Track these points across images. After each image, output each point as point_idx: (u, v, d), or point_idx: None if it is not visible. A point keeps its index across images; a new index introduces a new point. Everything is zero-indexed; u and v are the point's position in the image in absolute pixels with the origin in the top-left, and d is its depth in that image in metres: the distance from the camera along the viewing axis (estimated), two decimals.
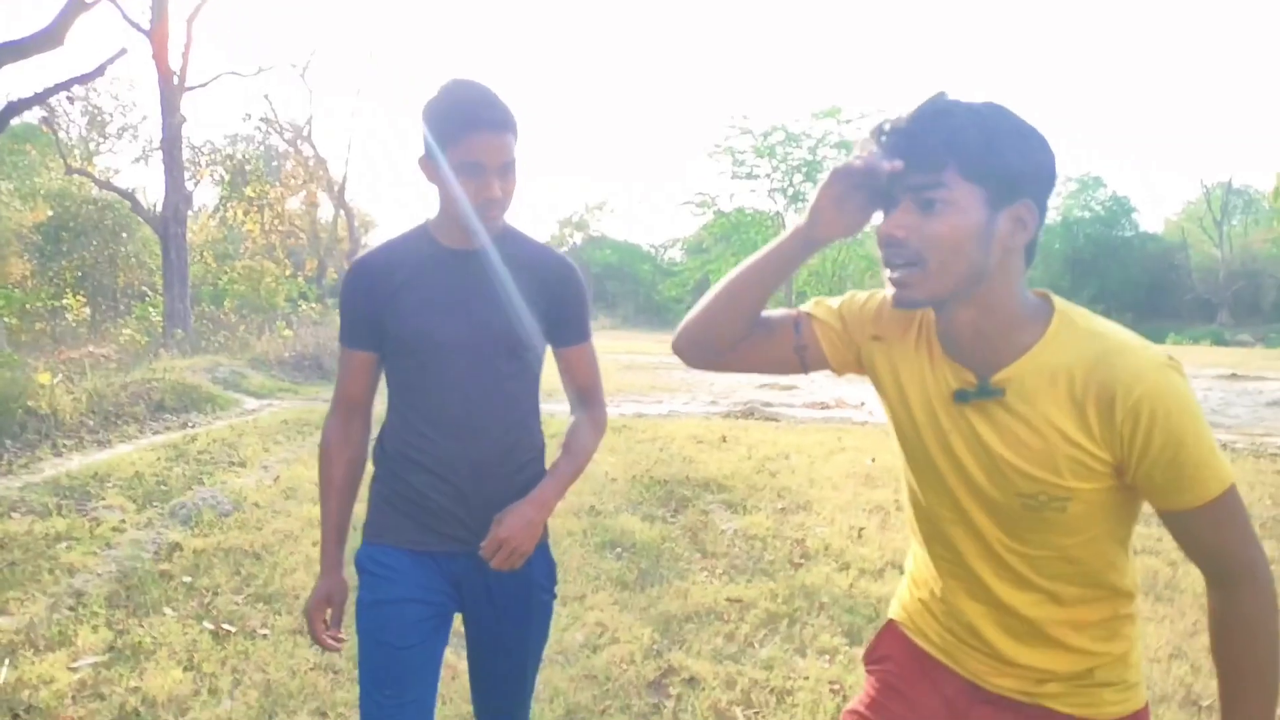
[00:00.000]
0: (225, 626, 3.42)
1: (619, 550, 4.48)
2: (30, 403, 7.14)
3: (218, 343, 13.94)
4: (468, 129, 1.50)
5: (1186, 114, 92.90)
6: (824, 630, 3.45)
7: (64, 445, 6.98)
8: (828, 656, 3.22)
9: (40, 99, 10.16)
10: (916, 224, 1.08)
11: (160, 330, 15.12)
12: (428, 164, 1.59)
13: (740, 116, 25.73)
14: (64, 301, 17.68)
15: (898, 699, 1.31)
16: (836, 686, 2.95)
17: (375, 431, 1.77)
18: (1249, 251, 40.70)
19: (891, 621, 1.38)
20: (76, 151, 20.26)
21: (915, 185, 1.08)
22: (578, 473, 1.69)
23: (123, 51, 10.58)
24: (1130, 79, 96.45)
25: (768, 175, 26.33)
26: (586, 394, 1.78)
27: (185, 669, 3.05)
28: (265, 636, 3.34)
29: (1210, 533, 1.10)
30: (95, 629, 3.37)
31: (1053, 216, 46.23)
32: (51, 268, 18.29)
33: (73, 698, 2.85)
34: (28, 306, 17.05)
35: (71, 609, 3.60)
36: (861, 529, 4.86)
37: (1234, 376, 14.98)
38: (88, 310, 18.92)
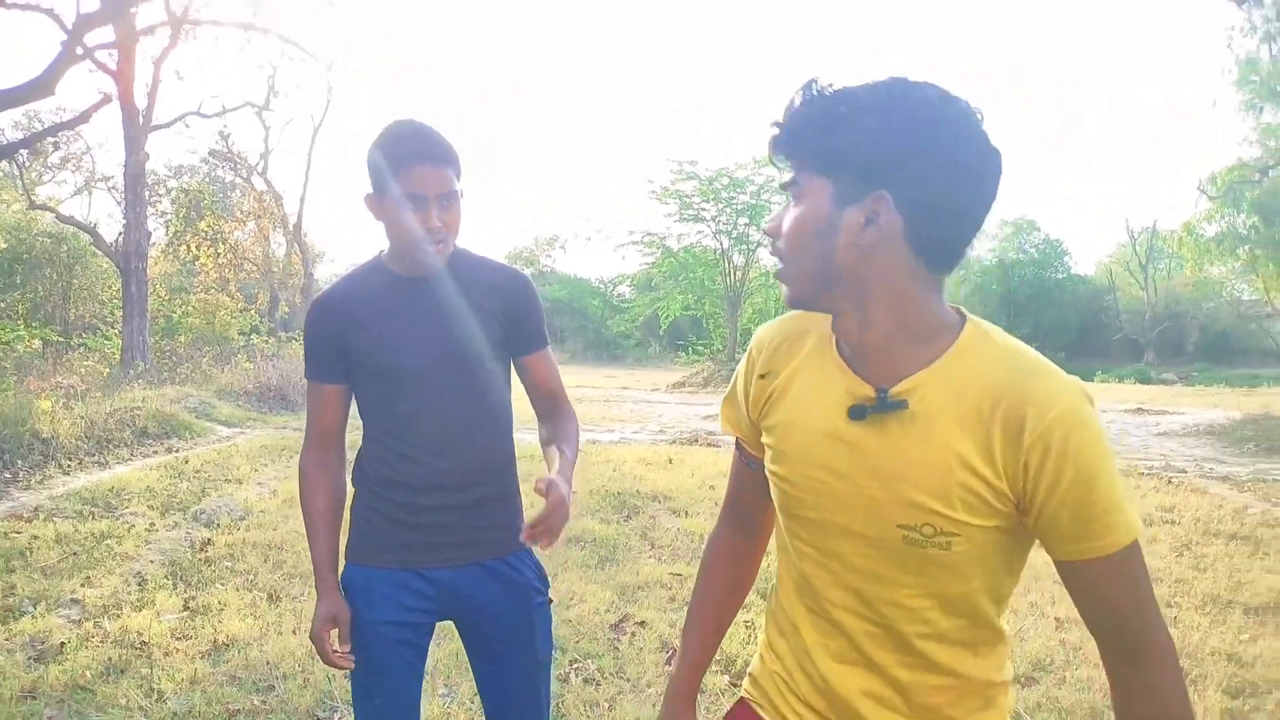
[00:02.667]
0: (274, 594, 4.40)
1: (582, 543, 5.53)
2: (36, 427, 7.95)
3: (181, 374, 14.63)
4: (410, 161, 1.61)
5: (1116, 158, 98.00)
6: None
7: (68, 465, 7.80)
8: (744, 608, 4.32)
9: (28, 143, 10.95)
10: (783, 219, 1.04)
11: (118, 362, 15.73)
12: (373, 200, 1.69)
13: (688, 162, 27.14)
14: (18, 333, 18.12)
15: None
16: (749, 624, 4.05)
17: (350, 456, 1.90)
18: (1173, 294, 43.43)
19: (743, 699, 1.27)
20: (21, 181, 20.71)
21: (783, 181, 1.05)
22: (576, 457, 1.77)
23: (106, 99, 11.43)
24: (1067, 122, 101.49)
25: (714, 218, 27.78)
26: (553, 397, 1.85)
27: (252, 619, 4.02)
28: (310, 600, 4.33)
29: (1115, 590, 1.00)
30: (168, 596, 4.32)
31: (989, 259, 48.75)
32: (4, 299, 18.72)
33: (171, 635, 3.81)
34: None
35: (140, 585, 4.54)
36: None
37: (1139, 410, 16.59)
38: (38, 342, 19.34)
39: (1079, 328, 43.87)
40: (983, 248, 49.97)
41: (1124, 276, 46.17)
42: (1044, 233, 47.61)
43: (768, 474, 1.19)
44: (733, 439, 1.30)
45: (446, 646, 3.48)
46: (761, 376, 1.18)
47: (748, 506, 1.32)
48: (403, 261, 1.73)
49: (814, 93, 1.01)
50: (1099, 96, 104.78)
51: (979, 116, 1.00)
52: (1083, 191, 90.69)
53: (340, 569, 1.82)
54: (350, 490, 1.85)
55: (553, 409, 1.85)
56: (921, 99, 0.98)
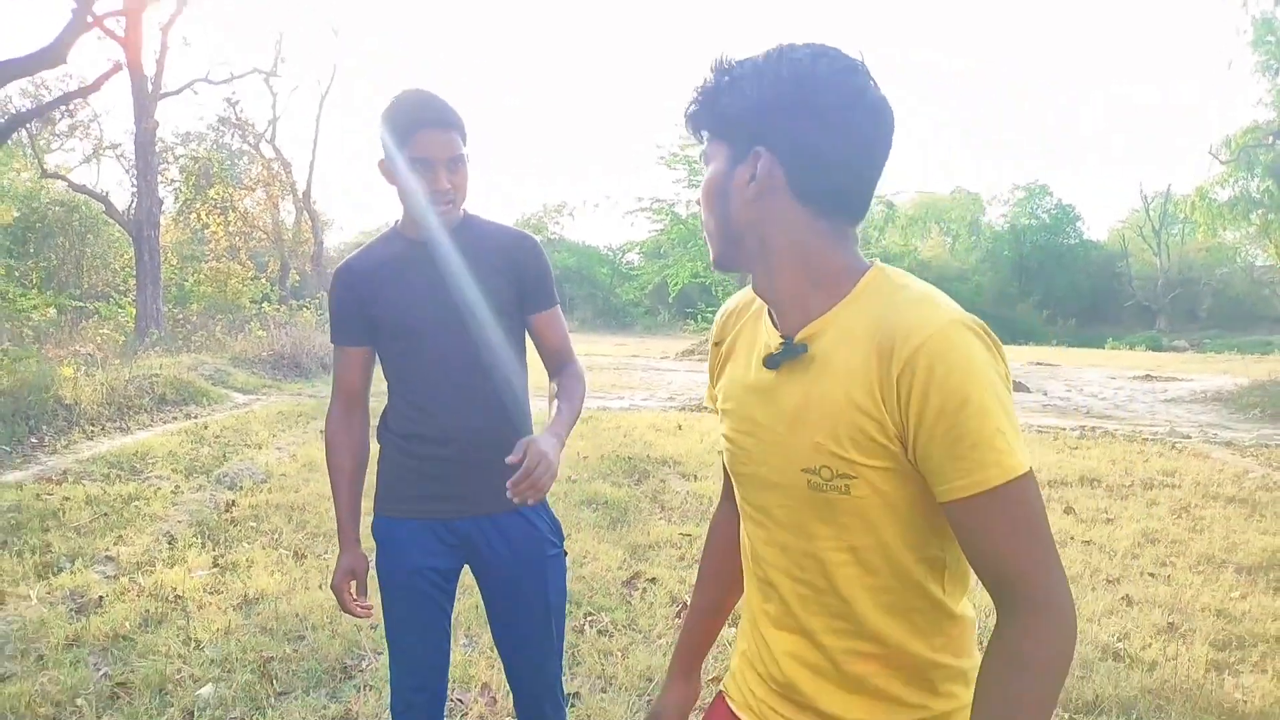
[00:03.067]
0: (299, 552, 4.59)
1: (594, 505, 5.71)
2: (60, 392, 8.15)
3: (196, 342, 14.84)
4: (416, 128, 1.72)
5: (1132, 123, 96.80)
6: None
7: (91, 430, 8.02)
8: None
9: (41, 112, 11.07)
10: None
11: (132, 330, 15.95)
12: (386, 166, 1.79)
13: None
14: (32, 302, 18.35)
15: None
16: None
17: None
18: (1186, 260, 43.20)
19: (720, 694, 1.28)
20: (33, 149, 20.84)
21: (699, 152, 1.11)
22: (577, 415, 1.86)
23: (117, 67, 11.51)
24: (1081, 86, 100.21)
25: None
26: (563, 354, 1.96)
27: (280, 575, 4.21)
28: (335, 557, 4.52)
29: (992, 535, 0.94)
30: (198, 554, 4.52)
31: (1001, 224, 48.52)
32: (18, 269, 18.93)
33: (204, 590, 4.01)
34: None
35: (170, 543, 4.74)
36: None
37: (1147, 377, 16.67)
38: (52, 311, 19.58)
39: (1091, 294, 43.72)
40: (994, 213, 49.74)
41: (1136, 242, 45.90)
42: (1056, 197, 47.34)
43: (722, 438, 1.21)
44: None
45: (467, 600, 3.66)
46: (716, 344, 1.25)
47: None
48: (415, 226, 1.83)
49: (716, 65, 1.06)
50: (1112, 60, 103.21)
51: (860, 70, 1.01)
52: (1096, 156, 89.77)
53: (371, 522, 1.94)
54: (376, 447, 1.97)
55: (559, 367, 1.96)
56: (792, 58, 1.01)
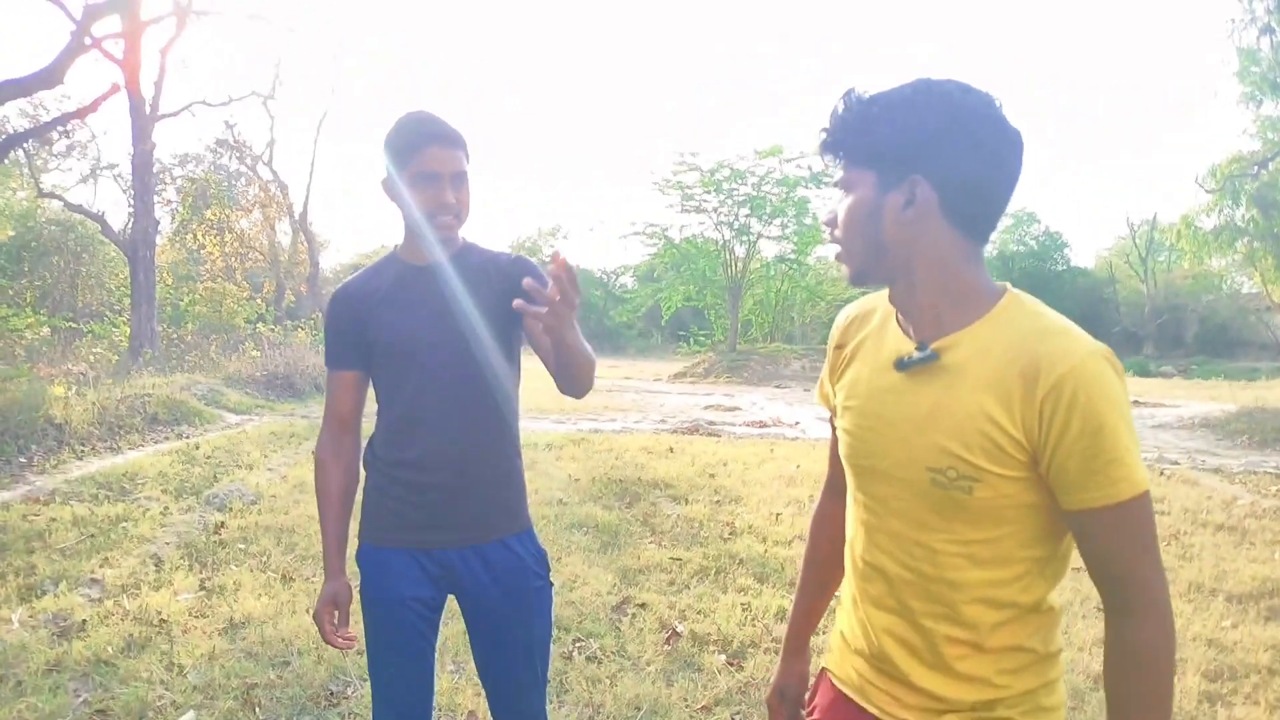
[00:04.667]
0: (287, 575, 4.52)
1: (585, 529, 5.65)
2: (50, 412, 8.07)
3: (189, 362, 14.76)
4: (422, 143, 1.72)
5: (1119, 151, 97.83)
6: (741, 576, 4.68)
7: (81, 450, 7.93)
8: (741, 591, 4.45)
9: (38, 133, 11.07)
10: (837, 211, 1.19)
11: (126, 349, 15.86)
12: (389, 185, 1.80)
13: (689, 154, 27.23)
14: (26, 320, 18.26)
15: None
16: (746, 606, 4.17)
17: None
18: (1172, 287, 43.46)
19: (823, 670, 1.40)
20: (30, 169, 20.83)
21: (835, 179, 1.19)
22: (588, 354, 1.65)
23: (115, 88, 11.52)
24: (1069, 114, 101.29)
25: (714, 209, 27.85)
26: None
27: (267, 598, 4.14)
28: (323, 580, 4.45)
29: (1115, 542, 1.07)
30: (185, 577, 4.44)
31: (989, 250, 48.68)
32: (13, 288, 18.84)
33: (189, 613, 3.94)
34: None
35: (156, 565, 4.66)
36: (779, 514, 6.11)
37: (1135, 403, 16.68)
38: (46, 330, 19.48)
39: (1079, 320, 39.92)
40: None
41: (1123, 269, 46.20)
42: (1044, 224, 47.61)
43: (838, 432, 1.32)
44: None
45: (455, 625, 3.59)
46: (838, 348, 1.34)
47: (839, 476, 1.41)
48: (415, 249, 1.82)
49: (852, 98, 1.15)
50: (1098, 89, 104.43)
51: (997, 103, 1.13)
52: (1082, 184, 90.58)
53: (356, 548, 1.90)
54: (363, 473, 1.93)
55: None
56: (942, 93, 1.11)
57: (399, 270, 1.86)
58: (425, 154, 1.72)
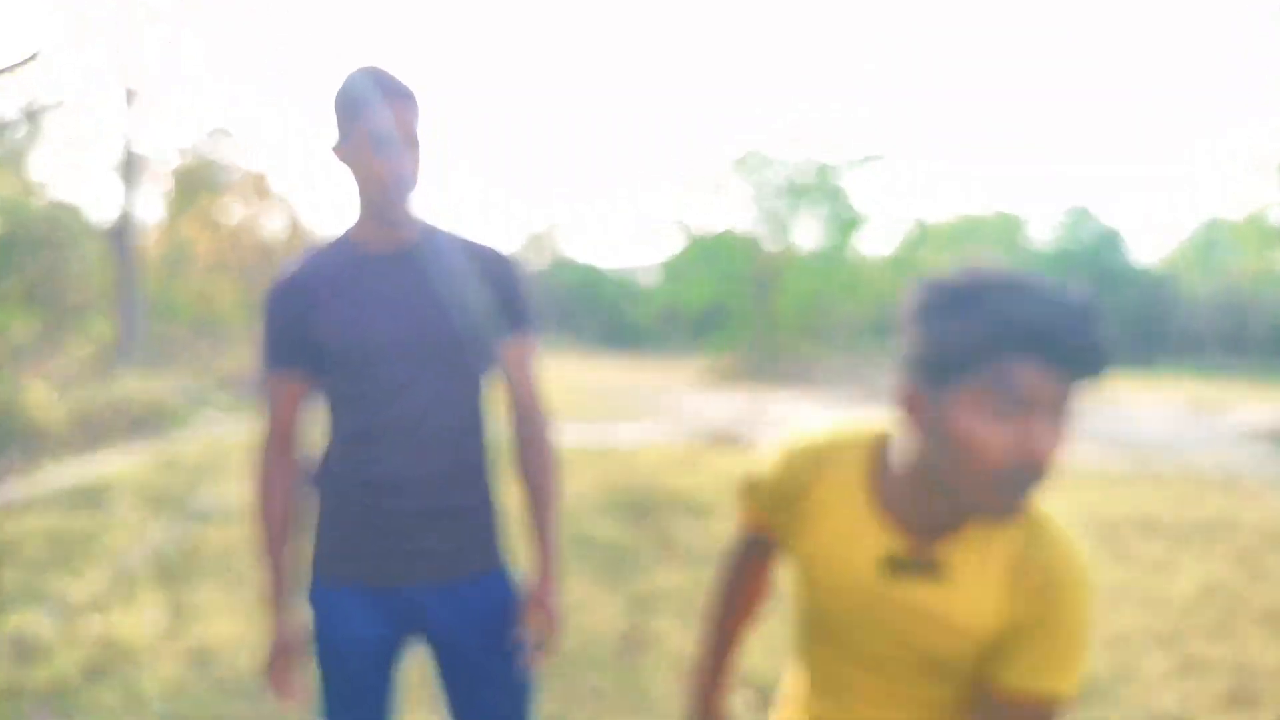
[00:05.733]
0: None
1: (591, 547, 5.53)
2: (29, 415, 8.06)
3: (178, 361, 14.79)
4: (369, 102, 1.59)
5: (1183, 147, 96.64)
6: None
7: (60, 454, 7.91)
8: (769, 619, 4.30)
9: (23, 121, 11.12)
10: (1056, 440, 1.03)
11: (112, 346, 15.94)
12: (340, 148, 1.65)
13: (716, 142, 27.02)
14: (12, 316, 18.40)
15: None
16: (775, 636, 4.03)
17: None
18: (1235, 286, 42.86)
19: None
20: (16, 161, 20.98)
21: (1066, 399, 1.02)
22: (557, 519, 1.74)
23: (104, 76, 11.54)
24: (1128, 109, 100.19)
25: (743, 201, 27.66)
26: (530, 404, 1.76)
27: (241, 621, 4.05)
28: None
29: None
30: (156, 595, 4.36)
31: (1044, 247, 48.35)
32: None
33: (158, 636, 3.84)
34: None
35: (128, 583, 4.58)
36: None
37: (1198, 408, 16.39)
38: (29, 326, 19.61)
39: (1137, 320, 43.39)
40: (1039, 237, 49.57)
41: (1184, 267, 45.62)
42: (1101, 222, 47.15)
43: (794, 592, 1.30)
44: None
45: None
46: (797, 499, 1.26)
47: (758, 546, 1.44)
48: (369, 229, 1.66)
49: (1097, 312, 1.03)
50: (1159, 80, 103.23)
51: None
52: (1142, 179, 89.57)
53: (309, 584, 1.76)
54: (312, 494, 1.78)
55: (525, 425, 1.75)
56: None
57: (350, 257, 1.68)
58: (372, 114, 1.58)
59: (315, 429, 1.77)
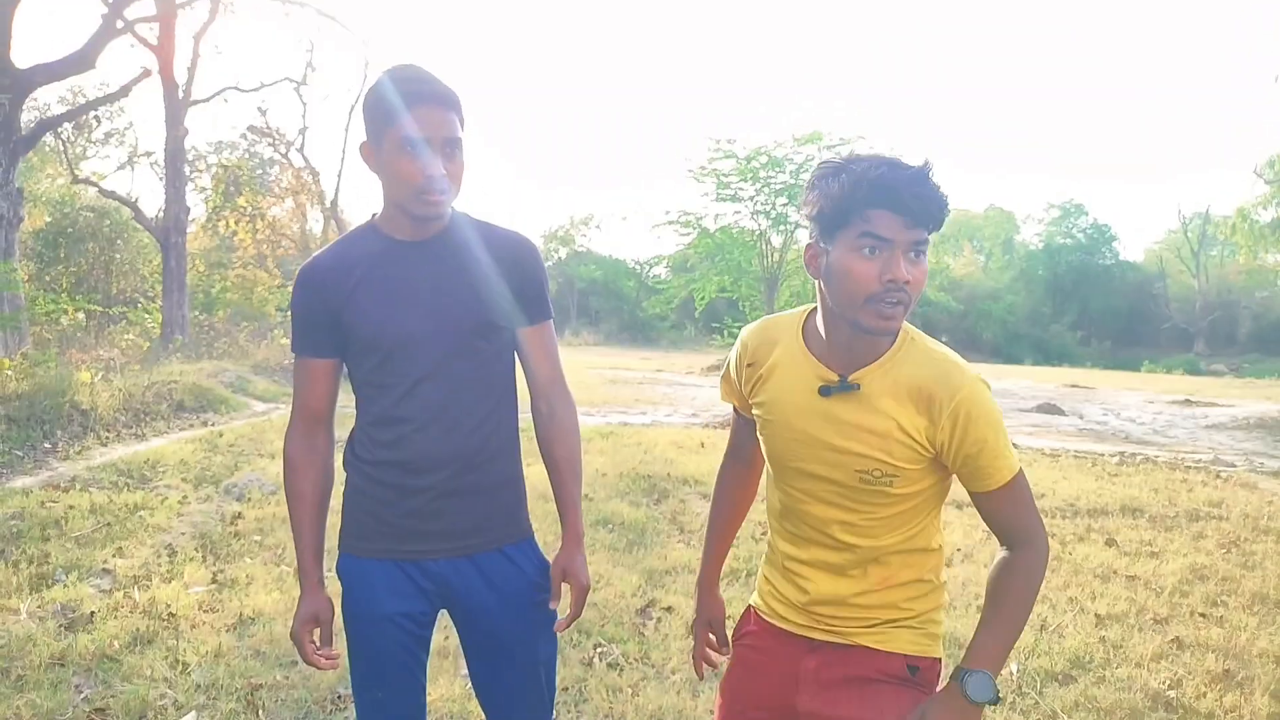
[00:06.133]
0: None
1: (610, 526, 5.51)
2: (76, 398, 8.09)
3: (219, 349, 14.85)
4: (411, 103, 1.52)
5: (1171, 144, 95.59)
6: None
7: (106, 437, 7.94)
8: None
9: (71, 117, 11.16)
10: (913, 271, 1.34)
11: (158, 336, 16.02)
12: (369, 149, 1.60)
13: (725, 140, 26.81)
14: (62, 306, 18.54)
15: (755, 662, 1.64)
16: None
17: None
18: (1225, 282, 42.37)
19: (749, 607, 1.69)
20: (65, 156, 21.07)
21: (918, 241, 1.33)
22: (580, 487, 1.77)
23: (146, 73, 11.57)
24: (1118, 105, 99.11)
25: (751, 198, 27.48)
26: (554, 382, 1.76)
27: (279, 593, 4.05)
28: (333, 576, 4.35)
29: (1006, 508, 1.45)
30: (197, 569, 4.36)
31: (1035, 243, 47.90)
32: (49, 273, 19.11)
33: (198, 608, 3.85)
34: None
35: (170, 556, 4.59)
36: None
37: (1186, 401, 16.20)
38: (81, 315, 19.75)
39: (1127, 315, 42.96)
40: (1028, 231, 49.12)
41: (1174, 263, 45.11)
42: (1091, 216, 46.65)
43: (759, 434, 1.59)
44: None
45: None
46: (749, 365, 1.58)
47: (743, 445, 1.75)
48: (399, 220, 1.62)
49: (931, 171, 1.34)
50: (1149, 77, 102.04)
51: None
52: (1132, 175, 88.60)
53: (336, 558, 1.75)
54: (341, 474, 1.76)
55: (549, 401, 1.75)
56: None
57: (379, 246, 1.64)
58: (414, 115, 1.52)
59: (344, 410, 1.74)
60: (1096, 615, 4.10)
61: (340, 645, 1.78)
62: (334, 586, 1.75)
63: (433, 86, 1.55)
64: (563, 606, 1.75)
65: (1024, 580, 1.46)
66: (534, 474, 1.87)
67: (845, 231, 1.34)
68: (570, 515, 1.73)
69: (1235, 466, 8.82)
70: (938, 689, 1.52)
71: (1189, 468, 8.53)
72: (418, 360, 1.61)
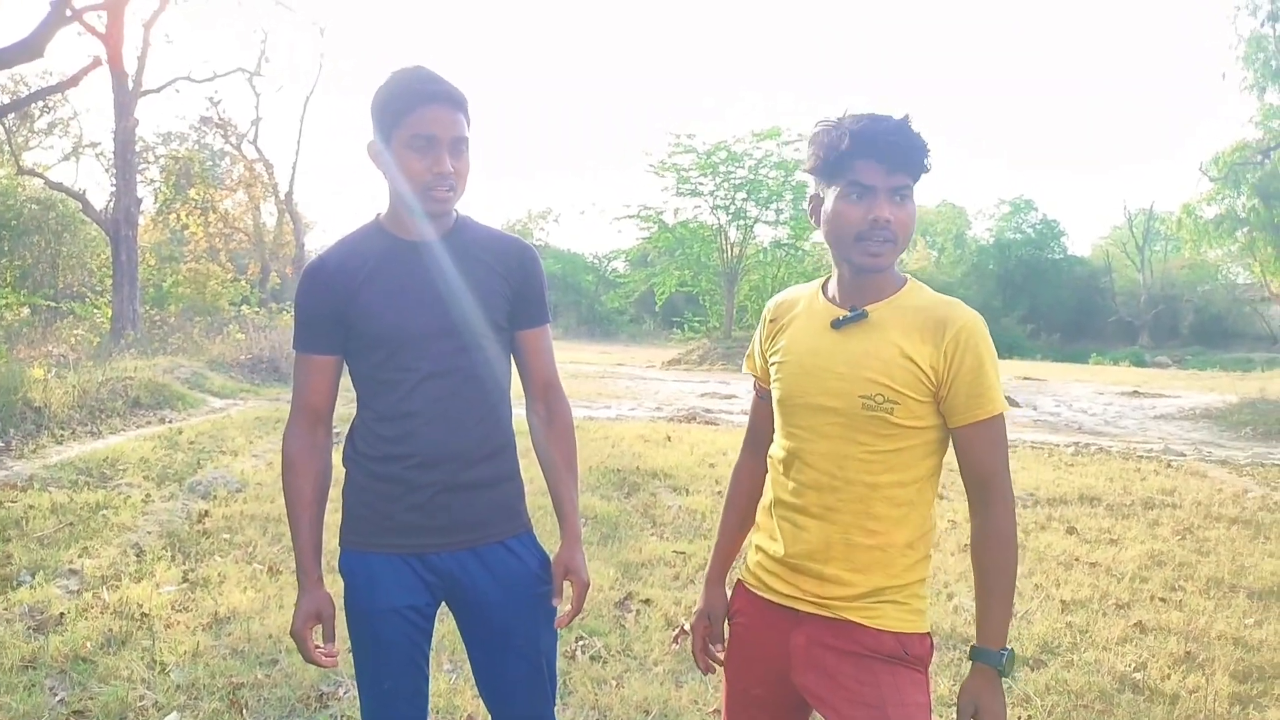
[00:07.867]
0: (274, 567, 4.37)
1: (584, 520, 5.51)
2: (29, 395, 7.87)
3: (172, 344, 14.53)
4: (418, 103, 1.55)
5: (1114, 137, 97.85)
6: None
7: (61, 434, 7.75)
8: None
9: (16, 107, 10.82)
10: (896, 212, 1.47)
11: (108, 331, 15.61)
12: (377, 147, 1.62)
13: (685, 135, 26.89)
14: (5, 301, 17.97)
15: (748, 640, 1.66)
16: None
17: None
18: (1169, 277, 43.52)
19: (738, 582, 1.71)
20: (9, 146, 20.42)
21: (899, 186, 1.47)
22: (577, 483, 1.81)
23: (97, 62, 11.25)
24: (1064, 98, 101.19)
25: (710, 192, 27.60)
26: (551, 384, 1.81)
27: (253, 591, 4.00)
28: None
29: (984, 449, 1.49)
30: (167, 568, 4.29)
31: (987, 238, 48.72)
32: None
33: (171, 607, 3.79)
34: None
35: (138, 556, 4.51)
36: None
37: (1135, 393, 16.65)
38: (25, 310, 19.17)
39: (1075, 309, 43.90)
40: (979, 226, 49.94)
41: (1120, 258, 46.24)
42: (1041, 212, 47.58)
43: (772, 385, 1.65)
44: (744, 395, 1.76)
45: (450, 623, 3.45)
46: (771, 321, 1.69)
47: (761, 432, 1.75)
48: (403, 221, 1.66)
49: (912, 125, 1.48)
50: (1097, 74, 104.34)
51: None
52: (1080, 172, 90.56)
53: (337, 555, 1.74)
54: (341, 469, 1.76)
55: (547, 402, 1.80)
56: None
57: (384, 245, 1.68)
58: (423, 114, 1.56)
59: (344, 406, 1.74)
60: (1062, 601, 4.22)
61: (340, 645, 1.78)
62: (333, 585, 1.74)
63: (442, 86, 1.59)
64: (563, 605, 1.78)
65: (1005, 549, 1.52)
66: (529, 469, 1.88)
67: (836, 180, 1.49)
68: (569, 514, 1.76)
69: (1185, 456, 9.10)
70: (933, 662, 1.61)
71: (1141, 457, 8.78)
72: (425, 356, 1.64)
